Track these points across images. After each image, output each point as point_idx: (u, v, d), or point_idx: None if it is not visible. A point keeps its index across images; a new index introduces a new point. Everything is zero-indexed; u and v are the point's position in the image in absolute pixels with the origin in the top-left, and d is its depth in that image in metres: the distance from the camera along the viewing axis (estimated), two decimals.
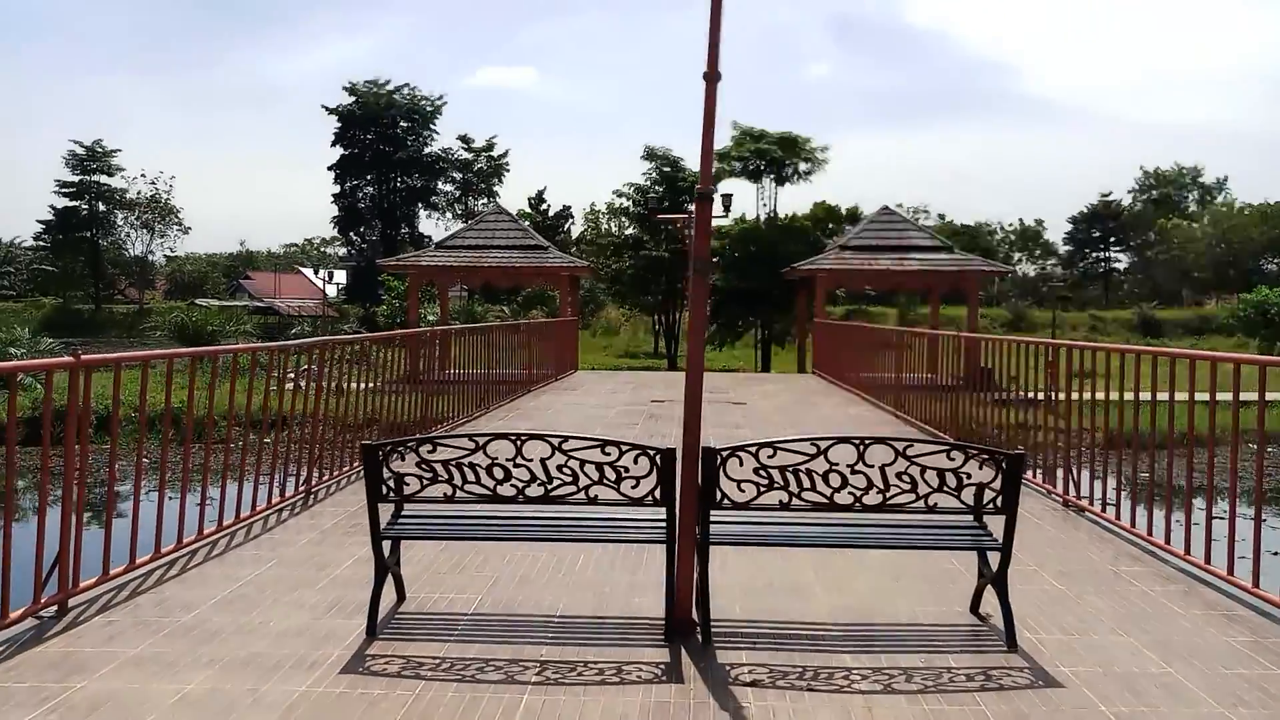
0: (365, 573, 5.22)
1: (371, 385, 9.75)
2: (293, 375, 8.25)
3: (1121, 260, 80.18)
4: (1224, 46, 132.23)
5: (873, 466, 4.39)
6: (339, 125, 65.05)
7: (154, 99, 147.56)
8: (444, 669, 4.17)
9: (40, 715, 3.69)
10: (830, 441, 4.41)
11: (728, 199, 22.03)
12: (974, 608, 4.96)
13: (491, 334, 16.31)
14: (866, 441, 4.42)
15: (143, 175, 70.80)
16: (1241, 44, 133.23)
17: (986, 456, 4.52)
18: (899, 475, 4.42)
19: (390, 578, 4.90)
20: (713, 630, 4.57)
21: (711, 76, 4.66)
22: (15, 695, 3.87)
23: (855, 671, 4.16)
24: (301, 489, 7.64)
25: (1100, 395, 7.42)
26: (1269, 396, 5.19)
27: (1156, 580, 5.62)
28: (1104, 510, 7.16)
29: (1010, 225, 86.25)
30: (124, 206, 69.71)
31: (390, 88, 65.52)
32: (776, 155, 40.08)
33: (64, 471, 5.14)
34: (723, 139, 41.75)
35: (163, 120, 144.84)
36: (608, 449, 4.45)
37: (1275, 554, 5.18)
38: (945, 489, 4.43)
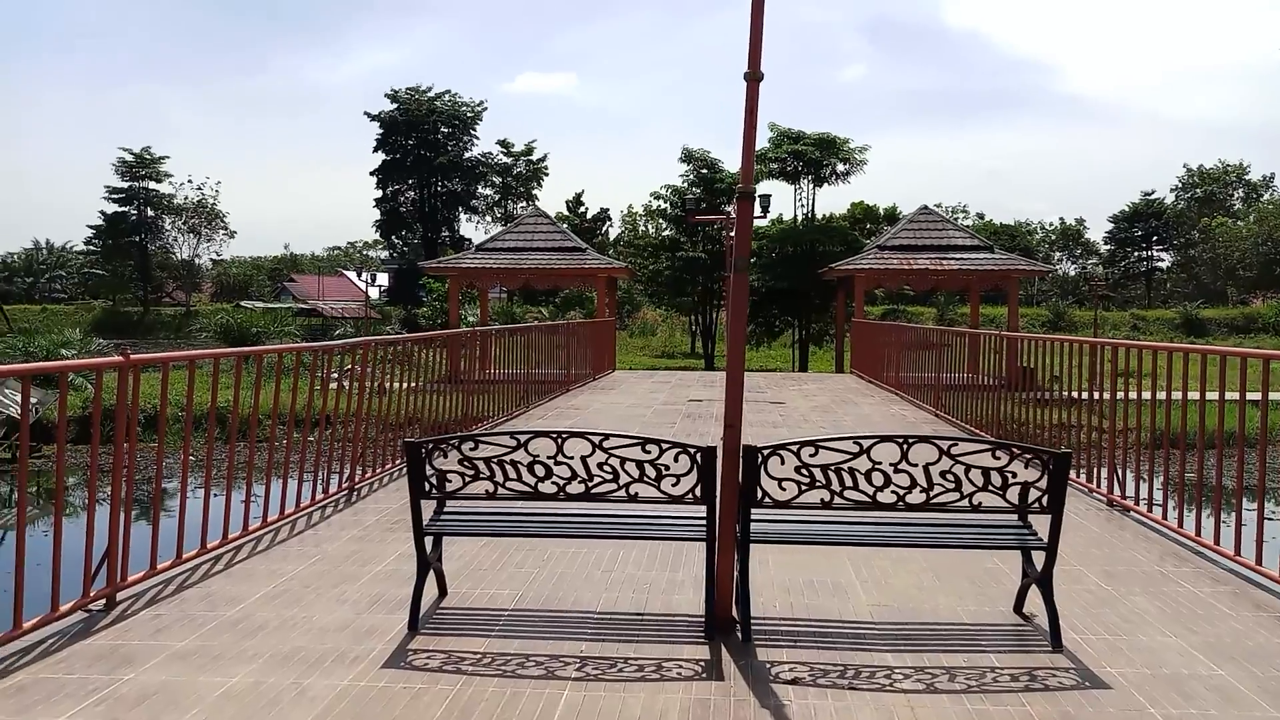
0: (407, 569, 5.27)
1: (413, 385, 9.84)
2: (336, 375, 8.34)
3: (1164, 259, 78.80)
4: (1266, 39, 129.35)
5: (916, 465, 4.35)
6: (381, 131, 65.67)
7: (201, 106, 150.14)
8: (485, 664, 4.19)
9: (88, 707, 3.76)
10: (873, 440, 4.38)
11: (766, 200, 21.98)
12: (1018, 607, 4.90)
13: (530, 334, 16.38)
14: (910, 440, 4.38)
15: (189, 181, 72.33)
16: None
17: (1031, 456, 4.45)
18: (943, 474, 4.37)
19: (432, 573, 4.94)
20: (753, 628, 4.55)
21: (754, 76, 4.65)
22: (65, 687, 3.94)
23: (897, 670, 4.13)
24: (344, 486, 7.73)
25: (1146, 395, 7.30)
26: None
27: (1205, 581, 5.51)
28: (1150, 510, 7.04)
29: (1051, 224, 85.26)
30: (172, 211, 71.13)
31: (431, 94, 66.05)
32: (814, 156, 39.81)
33: (113, 468, 5.24)
34: (761, 141, 41.39)
35: (209, 127, 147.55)
36: (648, 447, 4.45)
37: None
38: (990, 488, 4.38)
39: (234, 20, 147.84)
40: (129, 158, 68.83)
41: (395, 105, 65.48)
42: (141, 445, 14.10)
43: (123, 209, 69.88)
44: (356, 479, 7.90)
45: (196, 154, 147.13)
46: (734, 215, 26.72)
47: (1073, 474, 8.53)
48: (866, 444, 4.36)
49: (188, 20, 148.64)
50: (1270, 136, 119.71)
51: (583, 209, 65.87)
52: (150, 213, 70.37)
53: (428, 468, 4.59)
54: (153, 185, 69.79)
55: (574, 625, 4.68)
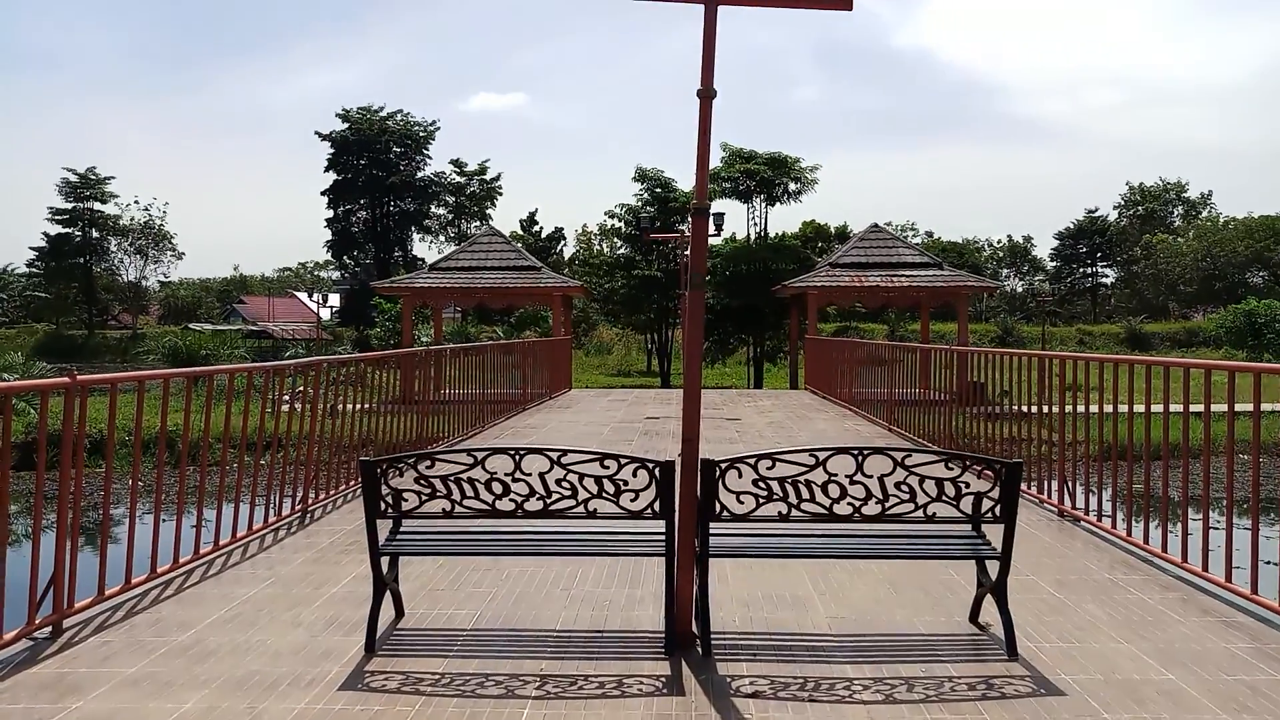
0: (363, 590, 5.21)
1: (366, 406, 9.74)
2: (287, 397, 8.24)
3: (1109, 275, 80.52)
4: (1209, 64, 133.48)
5: (871, 477, 4.40)
6: (332, 151, 65.21)
7: (148, 126, 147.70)
8: (444, 684, 4.15)
9: None
10: (829, 452, 4.42)
11: (719, 218, 22.14)
12: (973, 617, 4.96)
13: (485, 354, 16.31)
14: (865, 452, 4.43)
15: (136, 202, 71.16)
16: (1226, 62, 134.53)
17: (984, 466, 4.52)
18: (898, 485, 4.42)
19: (389, 594, 4.88)
20: (713, 642, 4.56)
21: (706, 94, 4.70)
22: (9, 717, 3.83)
23: (856, 682, 4.15)
24: (298, 508, 7.62)
25: (1094, 408, 7.44)
26: (1264, 406, 5.18)
27: (1154, 588, 5.62)
28: (1099, 520, 7.17)
29: (999, 242, 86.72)
30: (117, 233, 69.84)
31: (384, 114, 65.77)
32: (766, 175, 40.28)
33: (59, 492, 5.12)
34: (714, 160, 41.83)
35: (157, 147, 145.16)
36: (606, 462, 4.45)
37: (1268, 563, 5.18)
38: (944, 498, 4.44)
39: (181, 39, 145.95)
40: (73, 178, 67.59)
41: (347, 125, 65.11)
42: (89, 470, 13.76)
43: (67, 230, 68.49)
44: (310, 501, 7.80)
45: (144, 174, 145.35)
46: (689, 232, 26.89)
47: (1024, 486, 8.67)
48: (822, 456, 4.40)
49: (134, 40, 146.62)
50: (1212, 154, 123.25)
51: (537, 228, 65.93)
52: (95, 234, 69.05)
53: (383, 487, 4.55)
54: (98, 206, 68.53)
55: (534, 643, 4.65)
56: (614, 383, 41.01)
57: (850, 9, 4.88)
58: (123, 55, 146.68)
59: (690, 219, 5.04)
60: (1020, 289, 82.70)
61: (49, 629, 4.79)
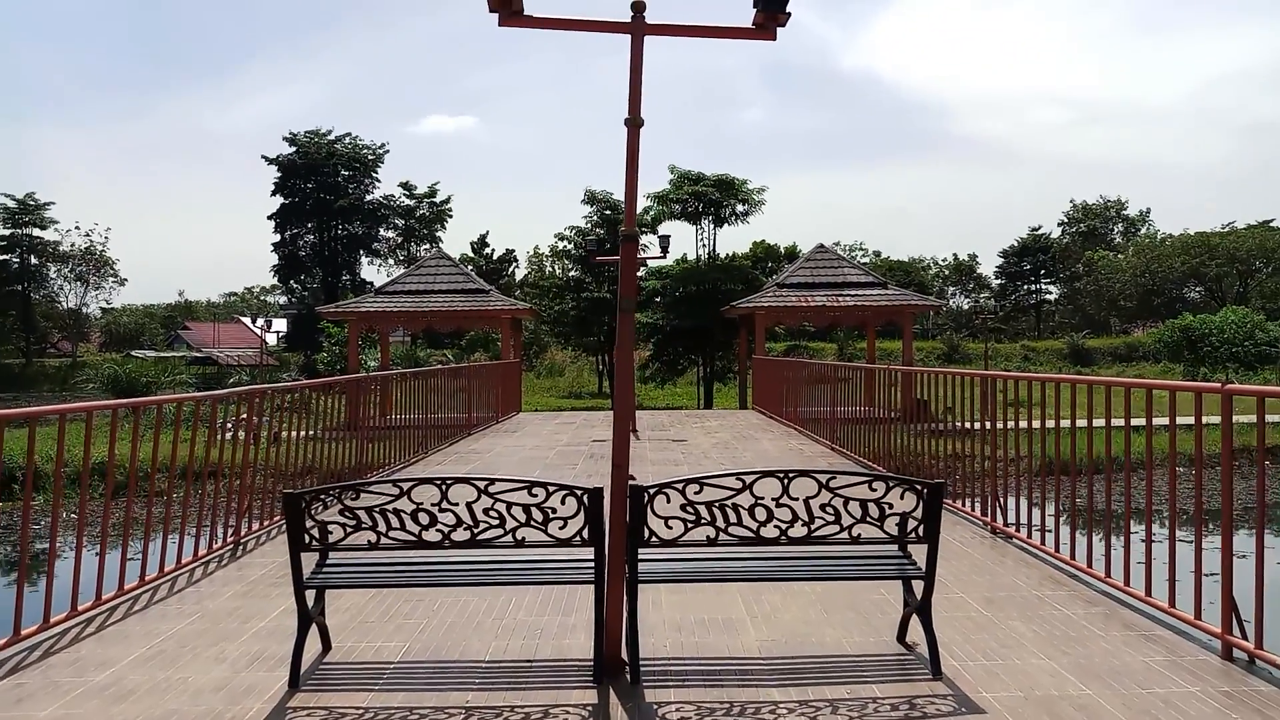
0: (291, 624, 5.13)
1: (311, 433, 9.63)
2: (230, 425, 8.12)
3: (1052, 292, 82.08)
4: (1146, 85, 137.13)
5: (797, 499, 4.44)
6: (279, 175, 64.48)
7: (90, 150, 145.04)
8: (367, 718, 4.10)
9: None
10: (755, 476, 4.45)
11: (666, 240, 22.17)
12: (901, 637, 5.01)
13: (431, 378, 16.20)
14: (790, 474, 4.47)
15: (77, 227, 69.86)
16: (1162, 83, 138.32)
17: (906, 486, 4.58)
18: (823, 507, 4.47)
19: (315, 628, 4.82)
20: (642, 669, 4.56)
21: (634, 122, 4.76)
22: None
23: (782, 705, 4.18)
24: (230, 540, 7.49)
25: (1031, 424, 7.54)
26: (1196, 421, 5.29)
27: (1079, 603, 5.72)
28: (1030, 536, 7.29)
29: (944, 260, 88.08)
30: (57, 259, 68.29)
31: (331, 137, 65.23)
32: (714, 197, 40.56)
33: None
34: (661, 182, 42.21)
35: (99, 172, 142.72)
36: (535, 490, 4.44)
37: (1211, 576, 5.27)
38: (868, 519, 4.49)
39: (125, 63, 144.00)
40: (11, 204, 66.08)
41: (294, 149, 64.46)
42: (10, 505, 13.42)
43: (4, 257, 66.88)
44: (243, 533, 7.67)
45: (86, 200, 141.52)
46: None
47: (961, 504, 8.79)
48: (749, 479, 4.44)
49: (76, 63, 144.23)
50: (1151, 172, 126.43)
51: (488, 250, 65.72)
52: (34, 260, 67.51)
53: (308, 519, 4.50)
54: (36, 232, 67.03)
55: (462, 675, 4.61)
56: (565, 405, 40.88)
57: (774, 39, 4.95)
58: (64, 79, 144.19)
59: (620, 245, 5.07)
60: (966, 306, 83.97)
61: None
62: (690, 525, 4.48)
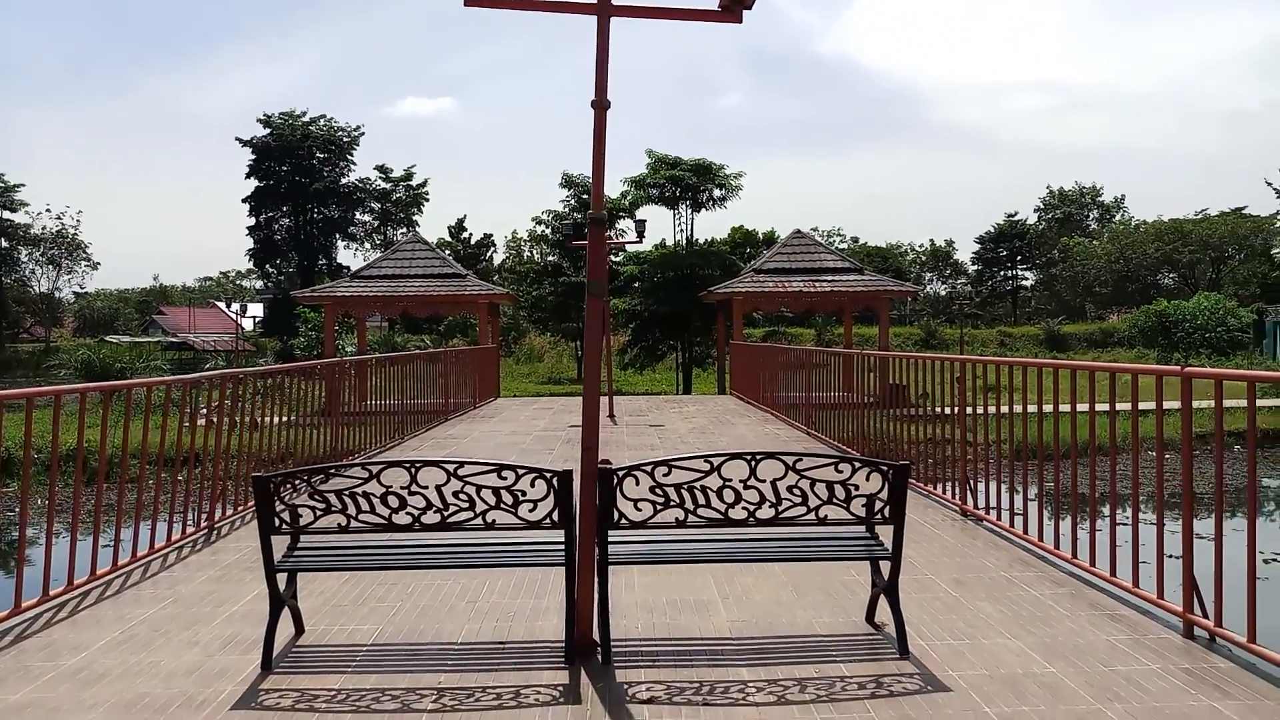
0: (265, 608, 5.13)
1: (287, 419, 9.60)
2: (205, 410, 8.08)
3: (1028, 278, 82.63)
4: (1122, 72, 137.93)
5: (764, 481, 4.48)
6: (254, 157, 63.82)
7: (62, 132, 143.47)
8: (339, 700, 4.12)
9: None
10: (723, 458, 4.49)
11: (642, 225, 22.14)
12: (869, 617, 5.08)
13: (408, 363, 16.16)
14: (758, 456, 4.51)
15: (48, 210, 68.91)
16: (1137, 70, 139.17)
17: (871, 468, 4.62)
18: (790, 489, 4.51)
19: (287, 611, 4.83)
20: (613, 649, 4.60)
21: (600, 104, 4.77)
22: None
23: (751, 684, 4.23)
24: (204, 525, 7.48)
25: (1005, 409, 7.62)
26: (1168, 406, 5.36)
27: (1046, 584, 5.81)
28: (999, 519, 7.38)
29: (922, 246, 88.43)
30: (28, 242, 67.38)
31: (306, 119, 64.61)
32: (691, 182, 40.53)
33: None
34: (638, 166, 42.24)
35: (71, 153, 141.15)
36: (504, 473, 4.46)
37: (1172, 556, 5.36)
38: (835, 501, 4.53)
39: (98, 42, 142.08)
40: None
41: (269, 130, 63.83)
42: None
43: None
44: (217, 517, 7.66)
45: (56, 181, 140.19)
46: (616, 239, 26.80)
47: (934, 487, 8.88)
48: (716, 462, 4.47)
49: (48, 42, 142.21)
50: (1125, 158, 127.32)
51: (466, 234, 65.35)
52: (4, 244, 66.61)
53: (278, 503, 4.50)
54: (6, 214, 66.06)
55: (434, 657, 4.64)
56: (544, 390, 40.87)
57: (740, 21, 4.96)
58: (35, 58, 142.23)
59: (587, 229, 5.08)
60: (943, 292, 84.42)
61: None
62: (659, 507, 4.52)
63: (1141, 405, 5.55)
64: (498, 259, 67.71)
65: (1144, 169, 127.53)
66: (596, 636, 4.64)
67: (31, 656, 4.74)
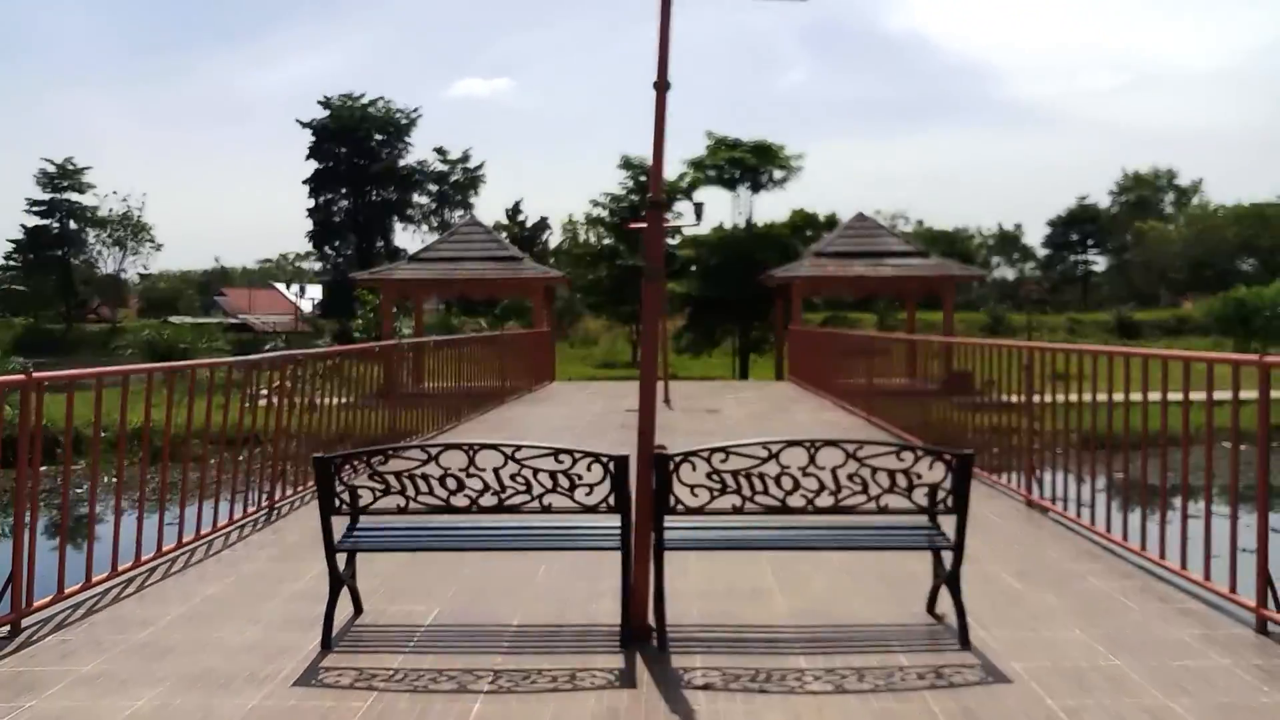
0: (324, 587, 5.19)
1: (346, 400, 9.74)
2: (265, 392, 8.23)
3: (1099, 263, 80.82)
4: (1202, 49, 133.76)
5: (824, 469, 4.41)
6: (313, 139, 64.78)
7: (125, 116, 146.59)
8: (397, 680, 4.16)
9: None
10: (781, 445, 4.44)
11: (700, 207, 22.18)
12: (930, 608, 4.99)
13: (464, 347, 16.29)
14: (817, 444, 4.44)
15: (114, 193, 70.69)
16: (1219, 46, 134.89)
17: (935, 457, 4.54)
18: (850, 477, 4.44)
19: (346, 591, 4.89)
20: (669, 635, 4.58)
21: (661, 85, 4.71)
22: None
23: (808, 673, 4.18)
24: (265, 505, 7.61)
25: (1073, 397, 7.43)
26: (1243, 396, 5.17)
27: (1113, 576, 5.67)
28: (1065, 510, 7.22)
29: (989, 230, 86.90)
30: (95, 224, 69.22)
31: (364, 101, 65.37)
32: (751, 163, 40.30)
33: (15, 491, 5.11)
34: (697, 147, 41.96)
35: (135, 137, 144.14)
36: (561, 457, 4.46)
37: (1247, 551, 5.18)
38: (896, 490, 4.46)
39: (160, 27, 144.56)
40: (50, 169, 66.95)
41: (328, 112, 64.66)
42: (54, 468, 13.74)
43: (44, 222, 67.87)
44: (278, 497, 7.79)
45: (122, 164, 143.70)
46: (672, 222, 26.66)
47: (999, 476, 8.70)
48: (775, 448, 4.42)
49: (112, 27, 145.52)
50: (1205, 140, 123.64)
51: (522, 217, 65.66)
52: (73, 225, 68.46)
53: (338, 483, 4.55)
54: (75, 197, 67.88)
55: (490, 639, 4.67)
56: (598, 374, 41.00)
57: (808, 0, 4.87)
58: (101, 44, 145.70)
59: (647, 212, 5.04)
60: (1011, 277, 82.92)
61: (7, 628, 4.78)
62: (716, 494, 4.48)
63: (1216, 395, 5.37)
64: (553, 242, 68.00)
65: (1220, 150, 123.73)
66: (652, 622, 4.62)
67: (102, 630, 4.87)
